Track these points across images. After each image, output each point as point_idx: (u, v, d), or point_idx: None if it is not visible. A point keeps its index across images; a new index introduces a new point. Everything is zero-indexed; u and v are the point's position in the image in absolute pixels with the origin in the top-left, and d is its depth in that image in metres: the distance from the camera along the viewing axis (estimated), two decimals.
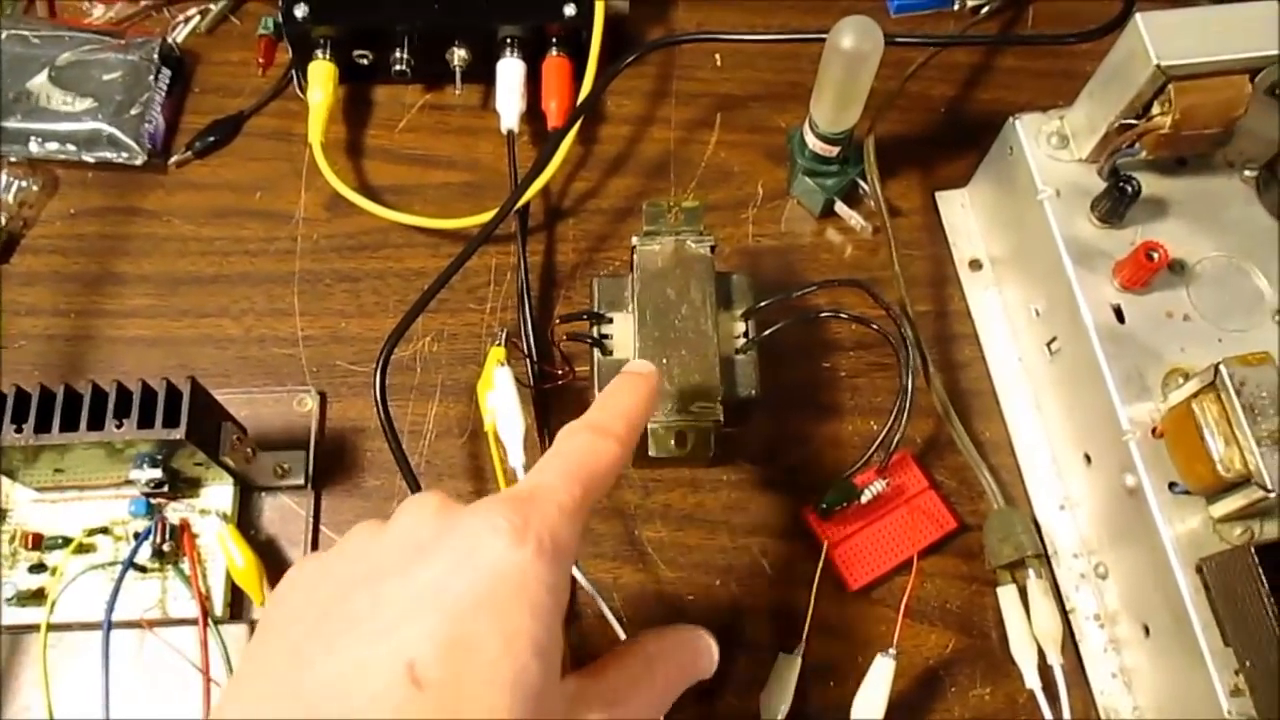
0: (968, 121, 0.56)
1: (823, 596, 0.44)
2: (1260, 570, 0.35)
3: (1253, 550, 0.36)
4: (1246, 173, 0.46)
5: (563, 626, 0.29)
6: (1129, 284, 0.43)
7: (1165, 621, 0.40)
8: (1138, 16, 0.41)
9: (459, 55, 0.53)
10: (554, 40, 0.53)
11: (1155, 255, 0.42)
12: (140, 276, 0.51)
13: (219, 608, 0.43)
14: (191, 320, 0.50)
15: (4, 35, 0.53)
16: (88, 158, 0.53)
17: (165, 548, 0.43)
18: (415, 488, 0.45)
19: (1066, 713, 0.42)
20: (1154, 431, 0.41)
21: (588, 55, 0.53)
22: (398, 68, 0.53)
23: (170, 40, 0.56)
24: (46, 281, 0.51)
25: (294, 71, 0.55)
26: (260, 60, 0.56)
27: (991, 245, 0.52)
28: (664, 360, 0.42)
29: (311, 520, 0.46)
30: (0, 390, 0.39)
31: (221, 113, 0.55)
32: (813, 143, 0.50)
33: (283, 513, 0.46)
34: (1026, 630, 0.43)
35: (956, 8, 0.59)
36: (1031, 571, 0.44)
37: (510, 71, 0.53)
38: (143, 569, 0.44)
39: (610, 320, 0.45)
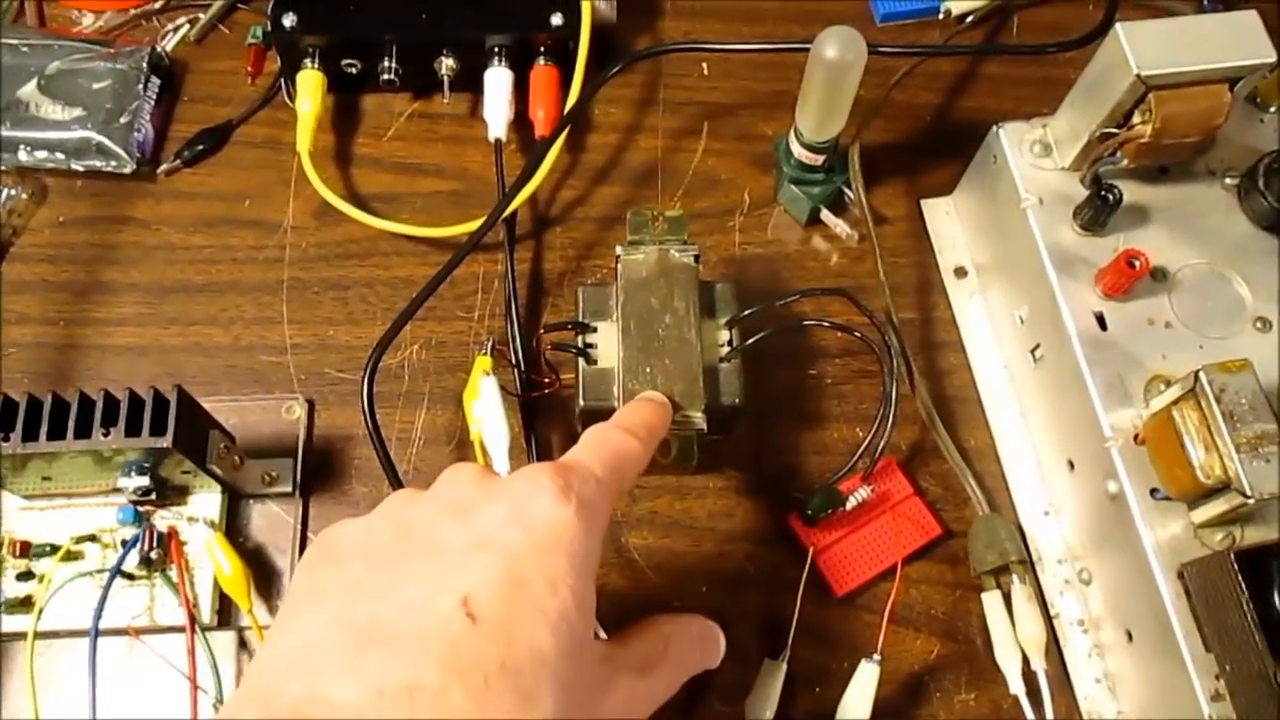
0: (952, 130, 0.56)
1: (808, 603, 0.44)
2: (1240, 576, 0.36)
3: (1233, 556, 0.36)
4: (1227, 181, 0.46)
5: (595, 592, 0.31)
6: (1111, 291, 0.43)
7: (1148, 627, 0.40)
8: (1118, 26, 0.41)
9: (447, 64, 0.53)
10: (541, 49, 0.54)
11: (1137, 263, 0.42)
12: (129, 285, 0.51)
13: (206, 615, 0.43)
14: (180, 328, 0.51)
15: None
16: (77, 166, 0.53)
17: (153, 555, 0.43)
18: None
19: (1050, 718, 0.42)
20: (1136, 438, 0.41)
21: (575, 64, 0.53)
22: (386, 77, 0.53)
23: (159, 49, 0.56)
24: (35, 290, 0.51)
25: (283, 80, 0.55)
26: (249, 69, 0.57)
27: (976, 253, 0.52)
28: (647, 369, 0.42)
29: (299, 527, 0.46)
30: None
31: (210, 121, 0.55)
32: (798, 151, 0.51)
33: (271, 520, 0.46)
34: (1011, 636, 0.43)
35: (942, 16, 0.59)
36: (1016, 577, 0.44)
37: (498, 81, 0.53)
38: (130, 576, 0.44)
39: (595, 329, 0.45)
